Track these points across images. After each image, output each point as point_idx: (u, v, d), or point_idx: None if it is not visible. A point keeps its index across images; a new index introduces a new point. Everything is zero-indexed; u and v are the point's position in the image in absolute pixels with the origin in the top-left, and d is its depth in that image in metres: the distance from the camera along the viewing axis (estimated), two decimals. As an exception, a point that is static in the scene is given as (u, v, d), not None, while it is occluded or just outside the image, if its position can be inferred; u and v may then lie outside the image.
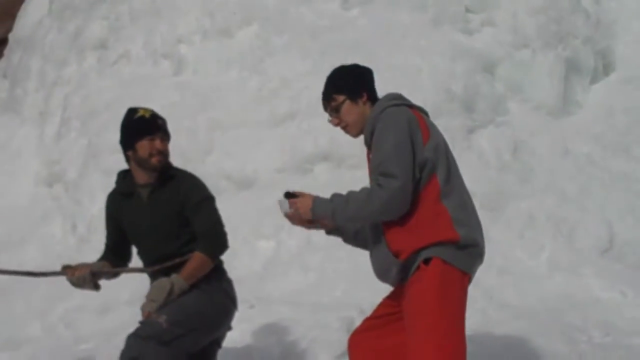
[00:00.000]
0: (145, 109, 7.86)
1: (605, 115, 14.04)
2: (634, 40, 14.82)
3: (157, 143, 7.65)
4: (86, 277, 7.56)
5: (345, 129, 6.82)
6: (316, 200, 6.55)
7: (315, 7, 15.21)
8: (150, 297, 7.37)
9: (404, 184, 6.24)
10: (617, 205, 12.28)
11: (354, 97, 6.76)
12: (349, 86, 6.83)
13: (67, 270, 7.64)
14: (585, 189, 12.61)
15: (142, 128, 7.68)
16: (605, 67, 14.68)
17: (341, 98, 6.72)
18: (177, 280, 7.41)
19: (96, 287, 7.74)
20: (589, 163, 13.18)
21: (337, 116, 6.85)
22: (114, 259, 8.04)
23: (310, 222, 6.78)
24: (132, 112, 7.89)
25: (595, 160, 13.23)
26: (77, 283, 7.63)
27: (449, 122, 12.86)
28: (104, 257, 8.02)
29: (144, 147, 7.61)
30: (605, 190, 12.59)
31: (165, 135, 7.75)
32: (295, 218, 6.71)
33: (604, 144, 13.49)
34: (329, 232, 7.05)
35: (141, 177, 7.77)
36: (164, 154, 7.71)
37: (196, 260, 7.52)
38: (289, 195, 6.70)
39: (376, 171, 6.34)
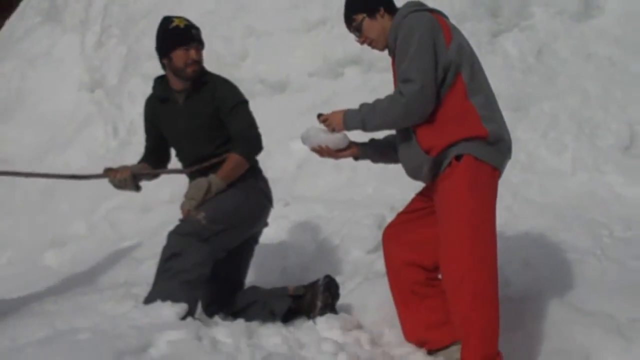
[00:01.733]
0: (180, 18, 7.88)
1: (625, 19, 13.93)
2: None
3: (192, 53, 7.72)
4: (127, 179, 7.73)
5: (371, 44, 6.96)
6: (347, 112, 6.68)
7: None
8: (188, 196, 7.50)
9: (422, 86, 6.30)
10: (638, 104, 12.21)
11: (371, 13, 6.84)
12: (364, 4, 6.91)
13: (109, 173, 7.79)
14: (606, 90, 12.54)
15: (177, 38, 7.72)
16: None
17: (360, 17, 6.82)
18: (215, 179, 7.52)
19: (137, 188, 7.91)
20: (610, 65, 13.11)
21: (361, 35, 6.92)
22: (154, 161, 8.15)
23: (339, 153, 6.98)
24: (167, 20, 7.91)
25: (616, 62, 13.16)
26: (119, 185, 7.80)
27: (474, 26, 12.81)
28: (144, 159, 8.15)
29: (179, 56, 7.67)
30: (626, 90, 12.51)
31: (199, 45, 7.78)
32: (323, 151, 6.93)
33: (625, 46, 13.40)
34: (356, 159, 7.15)
35: (177, 83, 7.83)
36: (199, 63, 7.76)
37: (232, 160, 7.62)
38: (320, 115, 6.81)
39: (400, 78, 6.41)
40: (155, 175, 8.19)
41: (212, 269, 7.47)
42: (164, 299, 6.99)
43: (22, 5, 21.15)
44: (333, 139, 6.89)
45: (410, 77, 6.35)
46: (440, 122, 6.48)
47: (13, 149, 15.61)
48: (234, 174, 7.66)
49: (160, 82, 8.00)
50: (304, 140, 7.01)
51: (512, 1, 13.83)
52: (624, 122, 11.87)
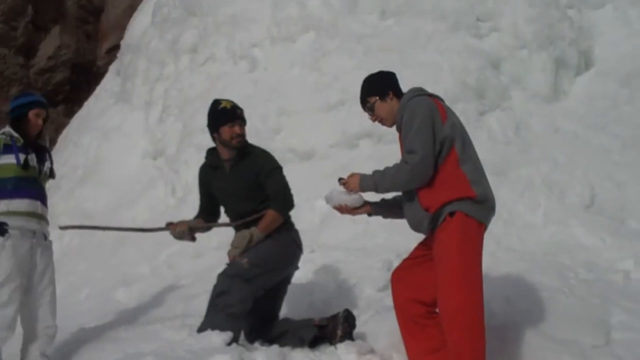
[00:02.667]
0: (227, 101, 8.26)
1: (586, 100, 13.97)
2: (608, 42, 14.72)
3: (236, 128, 8.03)
4: (185, 231, 8.05)
5: (381, 122, 7.19)
6: (362, 176, 6.88)
7: (359, 18, 15.21)
8: (234, 245, 7.79)
9: (422, 157, 6.55)
10: (597, 171, 12.23)
11: (382, 96, 7.08)
12: (377, 89, 7.15)
13: (170, 227, 8.09)
14: (572, 159, 12.56)
15: (224, 116, 8.05)
16: (586, 63, 14.60)
17: (373, 99, 7.08)
18: (255, 231, 7.80)
19: (193, 239, 8.24)
20: (575, 138, 13.12)
21: (373, 114, 7.14)
22: (206, 216, 8.38)
23: (355, 210, 7.16)
24: (216, 103, 8.28)
25: (579, 135, 13.17)
26: (178, 236, 8.12)
27: (464, 106, 12.84)
28: (199, 215, 8.38)
29: (226, 131, 8.01)
30: (588, 159, 12.53)
31: (242, 122, 8.10)
32: (343, 210, 7.14)
33: (586, 123, 13.42)
34: (370, 215, 7.29)
35: (225, 153, 8.14)
36: (242, 136, 8.04)
37: (270, 216, 7.90)
38: (340, 179, 7.00)
39: (405, 150, 6.68)
40: (208, 228, 8.40)
41: (252, 303, 7.67)
42: (213, 329, 7.35)
43: (98, 89, 21.32)
44: (350, 199, 7.06)
45: (414, 149, 6.57)
46: (438, 185, 6.66)
47: (91, 206, 15.79)
48: (271, 227, 7.89)
49: (211, 153, 8.32)
50: (327, 200, 7.14)
51: (495, 86, 13.88)
52: (586, 185, 11.90)
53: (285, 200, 8.05)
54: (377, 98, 7.14)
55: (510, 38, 14.50)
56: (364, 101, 7.15)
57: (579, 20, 15.00)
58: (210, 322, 7.48)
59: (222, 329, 7.33)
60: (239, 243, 7.79)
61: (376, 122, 7.25)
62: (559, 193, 11.85)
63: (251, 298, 7.62)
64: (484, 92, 13.76)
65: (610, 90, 14.02)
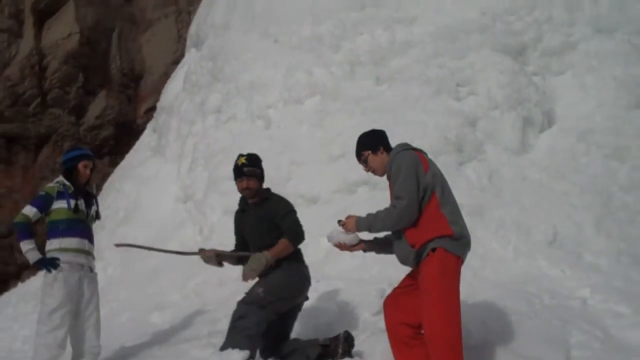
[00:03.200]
0: (243, 157, 8.46)
1: (549, 153, 13.98)
2: (567, 104, 14.75)
3: (243, 183, 8.25)
4: (212, 257, 8.23)
5: (373, 172, 7.46)
6: (358, 218, 7.08)
7: (357, 84, 15.25)
8: (249, 267, 7.91)
9: (408, 203, 6.78)
10: (558, 213, 12.25)
11: (374, 150, 7.30)
12: (370, 144, 7.36)
13: (201, 252, 8.28)
14: (537, 203, 12.57)
15: (235, 173, 8.35)
16: (549, 121, 14.60)
17: (366, 153, 7.31)
18: (268, 255, 7.91)
19: (219, 264, 8.39)
20: (540, 185, 13.12)
21: (367, 165, 7.37)
22: (239, 250, 8.50)
23: (353, 247, 7.32)
24: (237, 157, 8.47)
25: (543, 183, 13.17)
26: (207, 260, 8.28)
27: (446, 158, 12.86)
28: (234, 249, 8.54)
29: (237, 185, 8.34)
30: (551, 203, 12.54)
31: (249, 177, 8.25)
32: (342, 247, 7.29)
33: (549, 172, 13.42)
34: (365, 251, 7.50)
35: (249, 199, 8.36)
36: (249, 189, 8.27)
37: (282, 244, 8.04)
38: (340, 221, 7.21)
39: (394, 196, 6.90)
40: (231, 257, 8.44)
41: (267, 326, 7.82)
42: (233, 348, 7.48)
43: (137, 143, 21.40)
44: (348, 238, 7.23)
45: (401, 195, 6.79)
46: (421, 225, 6.84)
47: (131, 242, 15.78)
48: (282, 253, 8.00)
49: (242, 199, 8.47)
50: (329, 239, 7.33)
51: (472, 141, 13.88)
52: (549, 225, 11.90)
53: (296, 234, 8.13)
54: (370, 152, 7.30)
55: (485, 100, 14.51)
56: (359, 154, 7.36)
57: (542, 86, 15.03)
58: (230, 342, 7.58)
59: (241, 348, 7.43)
60: (254, 265, 7.88)
61: (369, 172, 7.42)
62: (527, 231, 11.84)
63: (265, 322, 7.73)
64: (462, 146, 13.75)
65: (569, 144, 14.03)
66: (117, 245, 9.00)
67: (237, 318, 7.68)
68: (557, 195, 12.86)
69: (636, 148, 13.83)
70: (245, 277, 7.94)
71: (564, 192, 12.92)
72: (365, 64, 15.64)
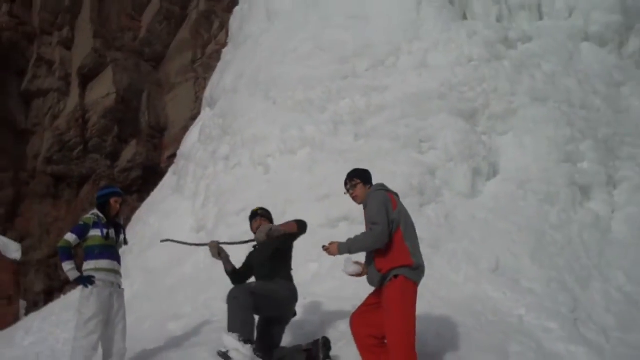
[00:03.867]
0: (257, 207, 8.97)
1: (494, 198, 14.01)
2: (509, 158, 14.83)
3: (257, 222, 8.66)
4: (215, 247, 8.46)
5: (355, 199, 7.52)
6: (339, 243, 7.23)
7: (340, 139, 15.30)
8: (260, 230, 8.08)
9: (382, 228, 6.97)
10: (500, 247, 12.28)
11: (364, 183, 7.58)
12: (363, 177, 7.64)
13: (211, 243, 8.55)
14: (483, 238, 12.58)
15: (251, 216, 8.79)
16: (494, 172, 14.63)
17: (357, 181, 7.64)
18: (275, 225, 8.27)
19: (219, 255, 8.53)
20: (486, 224, 13.13)
21: (353, 190, 7.54)
22: (236, 275, 8.65)
23: (358, 275, 7.43)
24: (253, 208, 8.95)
25: (489, 222, 13.18)
26: (212, 252, 8.50)
27: (410, 200, 12.84)
28: (233, 268, 8.69)
29: (253, 225, 8.68)
30: (494, 238, 12.57)
31: (262, 217, 8.72)
32: (355, 275, 7.44)
33: (494, 214, 13.45)
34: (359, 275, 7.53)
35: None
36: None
37: (289, 223, 8.34)
38: (324, 246, 7.38)
39: (369, 222, 7.09)
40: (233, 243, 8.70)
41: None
42: (234, 319, 7.52)
43: (160, 184, 21.39)
44: (354, 269, 7.44)
45: (376, 222, 7.01)
46: (388, 254, 7.05)
47: (152, 264, 15.76)
48: (286, 227, 8.20)
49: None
50: (346, 272, 7.50)
51: (431, 187, 13.90)
52: (493, 256, 11.93)
53: (302, 222, 8.43)
54: (360, 182, 7.53)
55: (443, 154, 14.55)
56: (352, 179, 7.59)
57: (489, 143, 15.08)
58: (230, 315, 7.60)
59: (238, 317, 7.50)
60: (263, 229, 8.00)
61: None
62: (475, 261, 11.85)
63: (252, 301, 7.67)
64: (424, 190, 13.77)
65: (510, 191, 14.09)
66: (162, 241, 9.96)
67: (232, 299, 7.66)
68: (500, 232, 12.88)
69: (564, 195, 13.94)
70: (259, 238, 8.04)
71: (506, 230, 12.95)
72: (346, 122, 15.69)
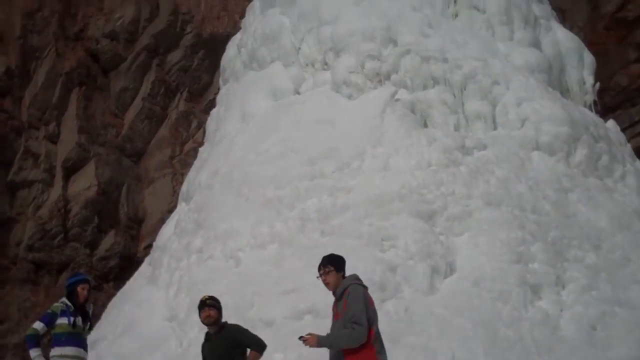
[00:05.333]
0: (206, 295, 8.66)
1: (451, 295, 14.03)
2: (465, 257, 14.94)
3: (205, 312, 8.41)
4: None
5: (327, 285, 7.46)
6: (319, 337, 7.19)
7: (307, 236, 15.47)
8: None
9: (364, 329, 6.95)
10: (457, 341, 12.27)
11: (338, 270, 7.58)
12: (337, 264, 7.62)
13: None
14: (441, 332, 12.63)
15: (200, 306, 8.49)
16: (451, 270, 14.72)
17: (331, 268, 7.65)
18: None
19: None
20: (442, 319, 13.11)
21: (326, 276, 7.49)
22: None
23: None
24: (201, 297, 8.64)
25: (445, 318, 13.18)
26: None
27: (372, 295, 12.83)
28: None
29: (202, 315, 8.45)
30: (450, 334, 12.63)
31: (210, 307, 8.31)
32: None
33: (450, 309, 13.50)
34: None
35: (210, 329, 8.43)
36: (210, 317, 8.40)
37: (253, 355, 8.28)
38: (301, 337, 7.27)
39: (350, 320, 6.99)
40: None
41: None
42: None
43: (136, 273, 21.05)
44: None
45: (360, 322, 6.95)
46: (358, 352, 7.04)
47: (126, 350, 15.49)
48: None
49: (206, 334, 8.55)
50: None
51: (392, 283, 13.98)
52: (449, 350, 11.94)
53: (260, 343, 8.26)
54: (334, 269, 7.51)
55: (403, 252, 14.64)
56: (325, 265, 7.56)
57: (447, 243, 15.19)
58: None
59: None
60: None
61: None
62: (432, 354, 11.90)
63: None
64: (385, 287, 13.81)
65: (465, 288, 14.15)
66: None
67: None
68: (456, 328, 12.90)
69: (516, 293, 14.02)
70: None
71: (461, 326, 12.98)
72: (313, 220, 15.79)
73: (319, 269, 7.65)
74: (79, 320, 8.54)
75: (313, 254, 14.46)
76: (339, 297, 7.33)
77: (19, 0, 34.41)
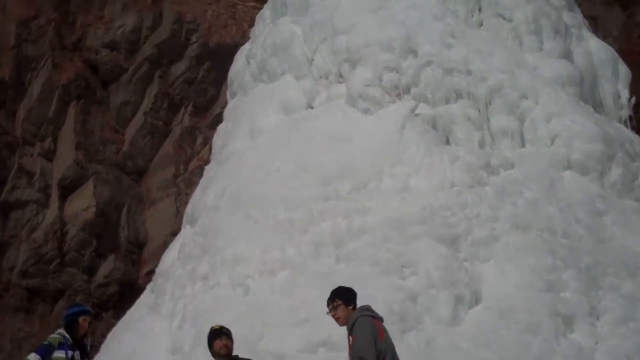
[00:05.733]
0: (217, 325, 8.47)
1: (476, 327, 14.04)
2: (491, 286, 14.88)
3: (223, 341, 8.13)
4: None
5: (337, 321, 7.48)
6: None
7: (321, 261, 15.54)
8: None
9: None
10: None
11: (347, 304, 7.55)
12: (346, 298, 7.60)
13: None
14: None
15: (216, 334, 8.22)
16: (476, 300, 14.72)
17: (340, 302, 7.55)
18: None
19: None
20: (467, 354, 13.14)
21: (335, 312, 7.47)
22: None
23: None
24: (212, 327, 8.47)
25: (471, 352, 13.20)
26: None
27: (391, 328, 12.52)
28: None
29: (217, 344, 8.11)
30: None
31: (228, 337, 8.16)
32: None
33: (476, 342, 13.48)
34: None
35: None
36: (227, 347, 8.09)
37: None
38: None
39: (356, 355, 7.00)
40: None
41: None
42: None
43: (138, 302, 21.11)
44: None
45: (366, 357, 6.88)
46: None
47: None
48: None
49: None
50: None
51: (413, 314, 13.96)
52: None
53: None
54: (343, 303, 7.49)
55: (424, 280, 14.63)
56: (333, 300, 7.53)
57: (471, 270, 15.15)
58: None
59: None
60: None
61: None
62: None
63: None
64: (405, 317, 13.81)
65: (492, 320, 14.13)
66: None
67: None
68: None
69: (547, 325, 13.96)
70: None
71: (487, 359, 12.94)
72: (328, 245, 15.81)
73: (328, 305, 7.67)
74: (78, 355, 8.51)
75: (328, 282, 14.48)
76: (350, 331, 7.34)
77: (13, 8, 34.74)
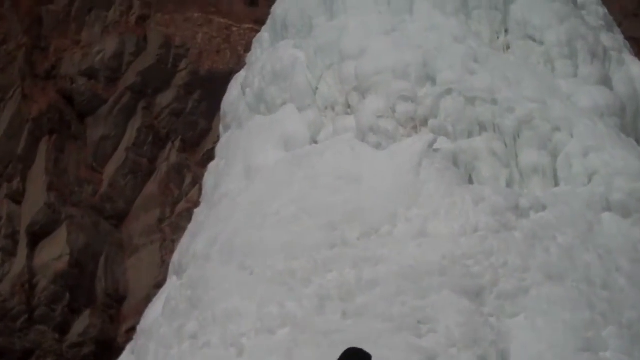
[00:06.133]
0: None
1: None
2: (520, 344, 14.81)
3: None
4: None
5: None
6: None
7: (326, 317, 15.47)
8: None
9: None
10: None
11: None
12: None
13: None
14: None
15: None
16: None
17: None
18: None
19: None
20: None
21: None
22: None
23: None
24: None
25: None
26: None
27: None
28: None
29: None
30: None
31: None
32: None
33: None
34: None
35: None
36: None
37: None
38: None
39: None
40: None
41: None
42: None
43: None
44: None
45: None
46: None
47: None
48: None
49: None
50: None
51: None
52: None
53: None
54: None
55: (444, 338, 14.54)
56: None
57: (498, 326, 15.08)
58: None
59: None
60: None
61: None
62: None
63: None
64: None
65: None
66: None
67: None
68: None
69: (584, 390, 13.92)
70: None
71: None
72: (333, 298, 15.78)
73: None
74: None
75: (333, 341, 14.49)
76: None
77: (-22, 32, 35.10)
